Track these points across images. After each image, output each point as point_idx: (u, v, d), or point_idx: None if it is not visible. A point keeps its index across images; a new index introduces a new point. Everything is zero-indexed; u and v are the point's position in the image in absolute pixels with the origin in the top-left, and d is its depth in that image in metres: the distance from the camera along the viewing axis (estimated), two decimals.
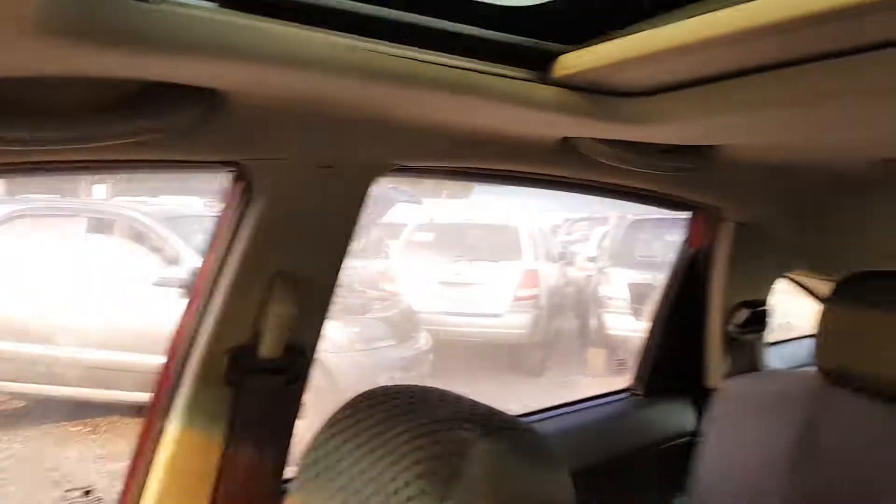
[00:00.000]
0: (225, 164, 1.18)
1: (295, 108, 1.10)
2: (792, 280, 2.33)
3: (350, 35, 0.94)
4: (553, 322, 8.06)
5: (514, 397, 5.48)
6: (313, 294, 1.32)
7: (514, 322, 7.43)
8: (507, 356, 7.48)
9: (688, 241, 2.05)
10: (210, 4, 0.84)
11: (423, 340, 6.51)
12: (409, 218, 8.14)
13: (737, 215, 1.88)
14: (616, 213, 8.96)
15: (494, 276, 7.49)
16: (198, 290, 1.29)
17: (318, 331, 1.38)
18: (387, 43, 0.96)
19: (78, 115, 0.89)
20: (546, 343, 7.78)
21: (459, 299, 7.37)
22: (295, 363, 1.33)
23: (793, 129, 1.21)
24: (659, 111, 1.07)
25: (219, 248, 1.27)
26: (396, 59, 0.96)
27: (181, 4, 0.82)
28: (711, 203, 1.85)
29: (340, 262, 1.36)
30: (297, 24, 0.89)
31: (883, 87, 0.93)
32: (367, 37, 0.95)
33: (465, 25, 1.01)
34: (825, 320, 1.49)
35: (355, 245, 1.37)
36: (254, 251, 1.25)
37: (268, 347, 1.29)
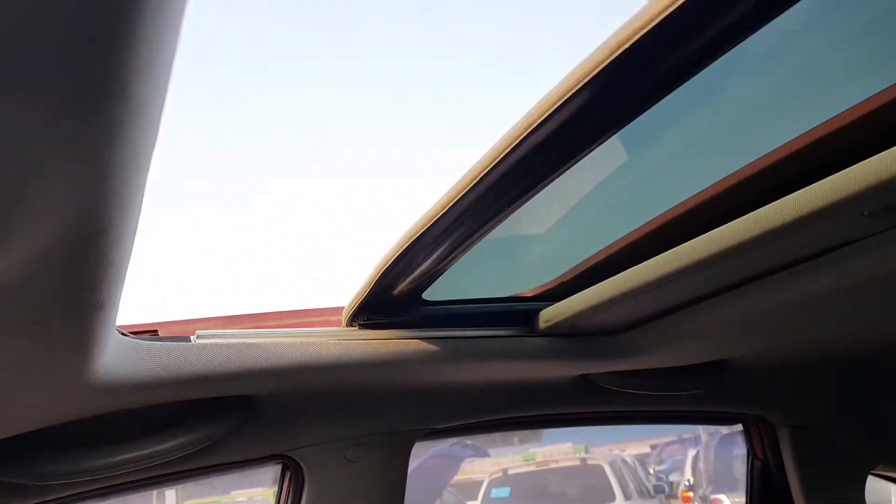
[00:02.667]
0: (271, 457, 1.30)
1: (324, 396, 1.25)
2: (879, 476, 2.15)
3: (363, 330, 1.12)
4: None
5: None
6: None
7: None
8: None
9: (752, 454, 1.98)
10: (244, 331, 1.04)
11: None
12: (481, 473, 7.79)
13: (785, 420, 1.83)
14: (706, 431, 8.39)
15: None
16: None
17: None
18: (392, 330, 1.13)
19: (130, 441, 1.05)
20: None
21: None
22: None
23: (784, 332, 1.27)
24: (643, 342, 1.17)
25: None
26: (403, 341, 1.13)
27: (219, 334, 1.02)
28: (749, 412, 1.82)
29: None
30: (309, 332, 1.08)
31: (849, 283, 1.00)
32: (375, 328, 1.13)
33: (464, 305, 1.19)
34: None
35: None
36: None
37: None
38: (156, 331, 1.07)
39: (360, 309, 1.11)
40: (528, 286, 1.25)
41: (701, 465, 8.21)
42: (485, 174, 0.73)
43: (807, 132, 0.75)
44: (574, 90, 0.61)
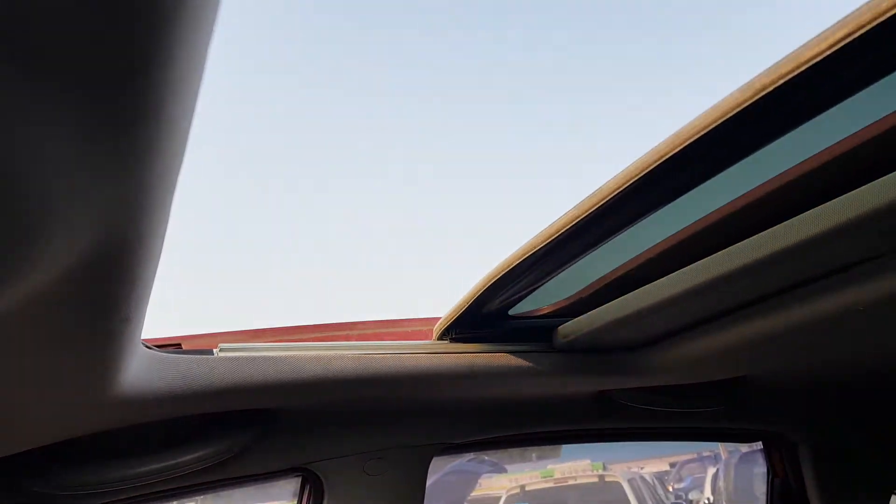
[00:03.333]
0: (291, 470, 1.31)
1: (344, 410, 1.26)
2: None
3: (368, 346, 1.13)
4: None
5: None
6: None
7: None
8: None
9: (772, 472, 1.95)
10: (266, 344, 1.05)
11: None
12: (498, 489, 7.71)
13: (806, 438, 1.80)
14: (726, 449, 8.25)
15: None
16: None
17: None
18: (414, 343, 1.14)
19: (154, 452, 1.06)
20: None
21: None
22: None
23: (805, 349, 1.25)
24: (662, 358, 1.17)
25: None
26: (426, 355, 1.13)
27: (242, 348, 1.03)
28: (770, 430, 1.80)
29: None
30: (325, 346, 1.09)
31: (869, 301, 0.99)
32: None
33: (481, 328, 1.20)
34: None
35: None
36: None
37: None
38: (179, 344, 1.09)
39: (454, 324, 1.18)
40: (546, 302, 1.25)
41: (721, 483, 8.04)
42: (592, 210, 0.85)
43: (825, 149, 0.75)
44: (656, 164, 0.74)
